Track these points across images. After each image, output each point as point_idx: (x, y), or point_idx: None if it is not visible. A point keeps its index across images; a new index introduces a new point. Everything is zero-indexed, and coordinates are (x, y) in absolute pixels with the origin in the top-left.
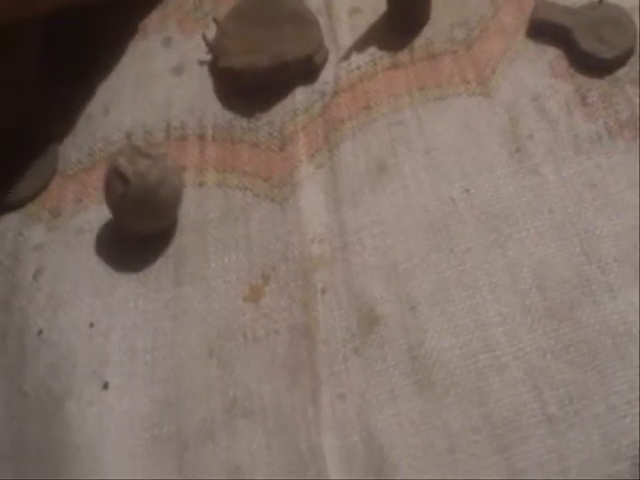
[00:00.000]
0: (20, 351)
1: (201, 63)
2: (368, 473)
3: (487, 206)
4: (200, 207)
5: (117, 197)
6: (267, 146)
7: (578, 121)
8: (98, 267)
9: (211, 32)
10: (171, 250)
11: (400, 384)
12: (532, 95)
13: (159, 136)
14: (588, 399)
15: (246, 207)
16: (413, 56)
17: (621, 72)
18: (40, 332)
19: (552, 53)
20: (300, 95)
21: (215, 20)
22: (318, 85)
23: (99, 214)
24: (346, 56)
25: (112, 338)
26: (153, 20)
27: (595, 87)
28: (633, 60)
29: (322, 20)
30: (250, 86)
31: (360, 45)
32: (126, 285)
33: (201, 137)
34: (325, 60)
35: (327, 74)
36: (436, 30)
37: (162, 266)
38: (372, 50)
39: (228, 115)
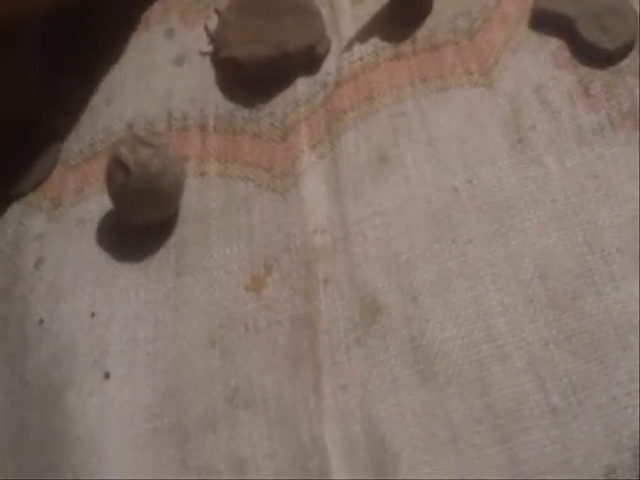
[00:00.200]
0: (21, 340)
1: (203, 54)
2: (370, 463)
3: (489, 197)
4: (202, 197)
5: (118, 187)
6: (269, 137)
7: (581, 112)
8: (99, 257)
9: (213, 23)
10: (172, 240)
11: (402, 374)
12: (535, 86)
13: (160, 126)
14: (591, 389)
15: (248, 197)
16: (415, 47)
17: (623, 63)
18: (41, 321)
19: (555, 43)
20: (302, 86)
21: (216, 11)
22: (320, 76)
23: (100, 204)
24: (348, 47)
25: (113, 328)
26: (155, 11)
27: (598, 78)
28: (634, 52)
29: (324, 10)
30: (252, 76)
31: (362, 36)
32: (127, 275)
33: (203, 127)
34: (327, 50)
35: (329, 65)
36: (439, 20)
37: (163, 256)
38: (374, 41)
39: (230, 106)
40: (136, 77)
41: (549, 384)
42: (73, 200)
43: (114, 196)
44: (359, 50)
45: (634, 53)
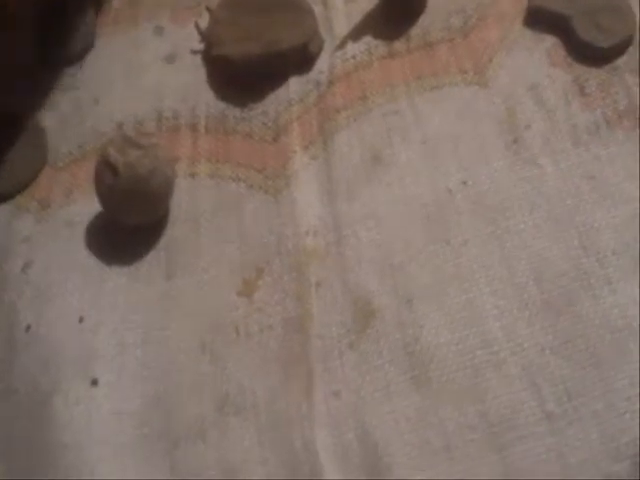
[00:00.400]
0: (9, 346)
1: (194, 52)
2: (363, 471)
3: (484, 198)
4: (192, 198)
5: (106, 188)
6: (261, 137)
7: (576, 111)
8: (88, 260)
9: (204, 21)
10: (162, 242)
11: (396, 380)
12: (529, 84)
13: (150, 126)
14: (587, 396)
15: (239, 199)
16: (409, 45)
17: (620, 61)
18: (28, 327)
19: (550, 41)
20: (295, 85)
21: (208, 8)
22: (313, 74)
23: (89, 206)
24: (341, 45)
25: (102, 333)
26: (145, 8)
27: (593, 76)
28: (632, 49)
29: (317, 8)
30: (244, 75)
31: (355, 34)
32: (116, 279)
33: (193, 128)
34: (320, 49)
35: (322, 63)
36: (433, 18)
37: (153, 259)
38: (368, 39)
39: (221, 105)
40: (125, 75)
41: (544, 390)
42: (61, 202)
43: (103, 197)
44: (352, 48)
45: (632, 49)
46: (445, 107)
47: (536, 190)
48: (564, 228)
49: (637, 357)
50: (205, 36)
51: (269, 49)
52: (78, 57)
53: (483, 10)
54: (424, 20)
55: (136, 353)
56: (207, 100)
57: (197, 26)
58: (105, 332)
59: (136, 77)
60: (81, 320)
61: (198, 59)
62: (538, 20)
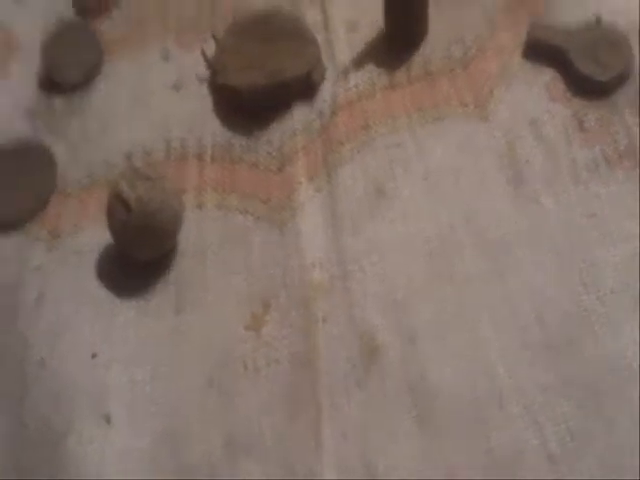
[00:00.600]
0: (21, 379)
1: (200, 80)
2: None
3: (486, 233)
4: (200, 230)
5: (119, 223)
6: (266, 166)
7: (576, 148)
8: (99, 292)
9: (210, 47)
10: (171, 275)
11: (400, 418)
12: (529, 119)
13: (159, 156)
14: (589, 436)
15: (246, 231)
16: (410, 75)
17: (619, 96)
18: (41, 361)
19: (549, 75)
20: (298, 113)
21: (214, 36)
22: (316, 103)
23: (99, 236)
24: (344, 74)
25: (113, 369)
26: (151, 32)
27: (592, 111)
28: (631, 83)
29: (319, 37)
30: (249, 103)
31: (358, 63)
32: (127, 312)
33: (200, 157)
34: (323, 77)
35: (325, 92)
36: (433, 47)
37: (162, 292)
38: (370, 68)
39: (227, 134)
40: (133, 102)
41: (547, 430)
42: (71, 231)
43: (115, 232)
44: (354, 77)
45: (630, 84)
46: (446, 140)
47: (537, 227)
48: (565, 265)
49: (637, 397)
50: (211, 64)
51: (273, 79)
52: (85, 82)
53: (482, 42)
54: (425, 49)
55: (146, 389)
56: (213, 129)
57: (204, 54)
58: (117, 368)
59: (143, 105)
60: (94, 356)
61: (204, 87)
62: (537, 53)
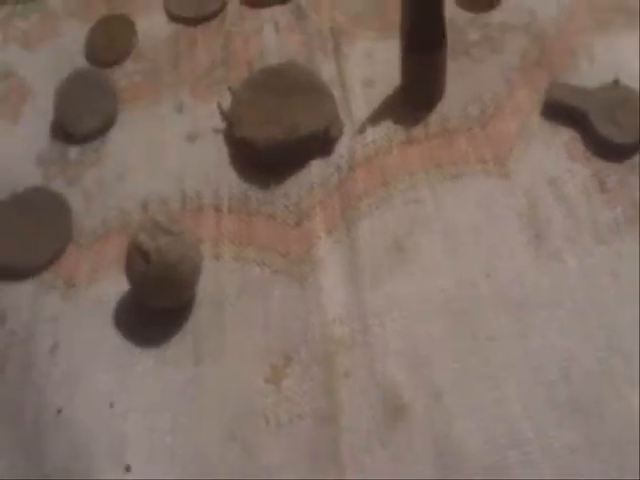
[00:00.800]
0: (38, 429)
1: (215, 131)
2: None
3: (509, 292)
4: (217, 281)
5: (138, 274)
6: (283, 220)
7: (597, 207)
8: (115, 341)
9: (224, 99)
10: (189, 325)
11: (426, 478)
12: (549, 178)
13: (175, 206)
14: None
15: (264, 284)
16: (428, 131)
17: (638, 157)
18: (59, 411)
19: (567, 135)
20: (316, 168)
21: (230, 89)
22: (334, 158)
23: (115, 285)
24: (361, 130)
25: (131, 419)
26: (165, 83)
27: (613, 172)
28: None
29: (336, 92)
30: (266, 157)
31: (375, 119)
32: (145, 362)
33: (217, 208)
34: (340, 132)
35: (342, 147)
36: (450, 106)
37: (180, 342)
38: (387, 124)
39: (243, 186)
40: (148, 153)
41: None
42: (87, 281)
43: (134, 283)
44: (372, 133)
45: None
46: (465, 197)
47: (560, 286)
48: (589, 326)
49: None
50: (227, 116)
51: (291, 134)
52: (100, 132)
53: (499, 100)
54: (442, 107)
55: (166, 439)
56: (229, 181)
57: (220, 106)
58: (135, 418)
59: (158, 155)
60: (112, 405)
61: (219, 138)
62: (555, 113)
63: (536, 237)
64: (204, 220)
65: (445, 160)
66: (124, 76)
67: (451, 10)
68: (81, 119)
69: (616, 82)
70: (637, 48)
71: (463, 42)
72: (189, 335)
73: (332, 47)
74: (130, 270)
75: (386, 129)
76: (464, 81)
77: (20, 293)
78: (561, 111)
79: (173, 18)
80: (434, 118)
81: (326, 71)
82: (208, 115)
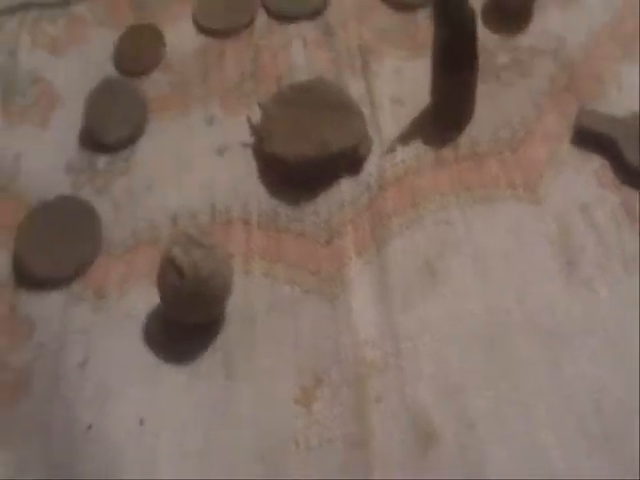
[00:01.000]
0: (69, 443)
1: (244, 146)
2: None
3: (540, 320)
4: (247, 296)
5: (171, 289)
6: (314, 238)
7: (626, 236)
8: (146, 356)
9: (254, 112)
10: (219, 342)
11: None
12: (580, 205)
13: (204, 219)
14: None
15: (294, 302)
16: (458, 153)
17: None
18: (89, 427)
19: (597, 162)
20: (346, 186)
21: (260, 104)
22: (363, 177)
23: (145, 298)
24: (390, 149)
25: (163, 436)
26: (194, 94)
27: None
28: None
29: (364, 109)
30: (295, 173)
31: (404, 138)
32: (175, 377)
33: (246, 222)
34: (369, 150)
35: (371, 166)
36: (480, 129)
37: (211, 358)
38: (416, 144)
39: (273, 202)
40: (177, 164)
41: None
42: (117, 293)
43: (166, 297)
44: (401, 153)
45: None
46: (496, 222)
47: (592, 315)
48: (621, 356)
49: None
50: (257, 131)
51: (321, 151)
52: (129, 141)
53: (529, 125)
54: (471, 130)
55: (196, 459)
56: (258, 196)
57: (249, 121)
58: (166, 435)
59: (188, 167)
60: (142, 422)
61: (249, 152)
62: (584, 140)
63: (568, 264)
64: (233, 234)
65: (475, 183)
66: (152, 87)
67: (480, 32)
68: (110, 128)
69: None
70: None
71: (492, 65)
72: (219, 352)
73: (360, 64)
74: (162, 284)
75: (415, 149)
76: (493, 104)
77: (50, 304)
78: (590, 138)
79: (202, 30)
80: (464, 140)
81: (355, 88)
82: (237, 128)
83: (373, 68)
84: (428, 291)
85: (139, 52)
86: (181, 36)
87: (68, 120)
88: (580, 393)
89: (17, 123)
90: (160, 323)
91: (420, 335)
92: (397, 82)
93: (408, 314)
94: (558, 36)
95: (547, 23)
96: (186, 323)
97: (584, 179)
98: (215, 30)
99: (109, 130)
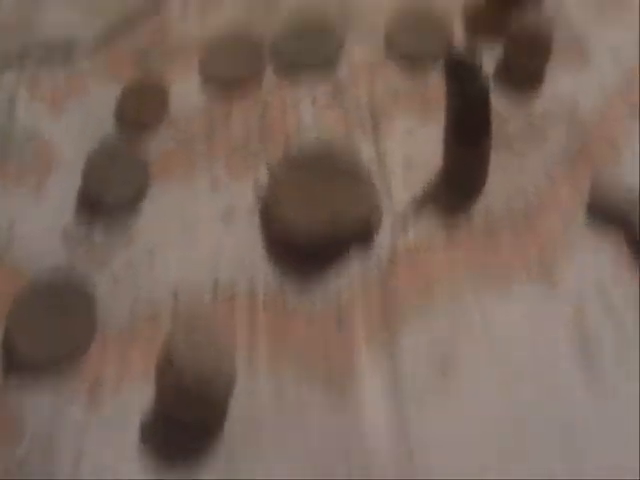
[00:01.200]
0: None
1: (251, 213)
2: None
3: (560, 420)
4: (251, 393)
5: (170, 388)
6: (323, 323)
7: None
8: (144, 459)
9: (261, 173)
10: (222, 446)
11: None
12: (597, 288)
13: (206, 298)
14: None
15: (301, 399)
16: (471, 228)
17: None
18: None
19: (613, 237)
20: (355, 260)
21: (268, 166)
22: (374, 249)
23: (142, 394)
24: (402, 225)
25: None
26: (198, 153)
27: None
28: None
29: (375, 173)
30: (304, 244)
31: (415, 209)
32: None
33: (251, 298)
34: (380, 221)
35: (382, 237)
36: (493, 197)
37: (212, 463)
38: (428, 218)
39: (280, 277)
40: (180, 231)
41: None
42: (113, 389)
43: (163, 396)
44: (413, 229)
45: None
46: (511, 307)
47: (612, 415)
48: None
49: None
50: (263, 197)
51: (332, 221)
52: (130, 205)
53: (542, 195)
54: (485, 198)
55: None
56: (265, 269)
57: (256, 187)
58: None
59: (191, 235)
60: None
61: (255, 219)
62: (600, 214)
63: (584, 355)
64: (237, 315)
65: (490, 265)
66: (155, 145)
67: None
68: (110, 189)
69: None
70: None
71: (504, 133)
72: (222, 458)
73: (371, 125)
74: (160, 382)
75: (427, 226)
76: (505, 173)
77: (40, 396)
78: (606, 212)
79: (209, 79)
80: (477, 211)
81: (365, 151)
82: (243, 193)
83: (384, 129)
84: (442, 388)
85: (141, 108)
86: (186, 91)
87: (65, 182)
88: None
89: (13, 187)
90: (157, 422)
91: (436, 445)
92: (409, 144)
93: (422, 415)
94: (571, 99)
95: (558, 86)
96: (184, 422)
97: (601, 258)
98: (223, 79)
99: (109, 191)
